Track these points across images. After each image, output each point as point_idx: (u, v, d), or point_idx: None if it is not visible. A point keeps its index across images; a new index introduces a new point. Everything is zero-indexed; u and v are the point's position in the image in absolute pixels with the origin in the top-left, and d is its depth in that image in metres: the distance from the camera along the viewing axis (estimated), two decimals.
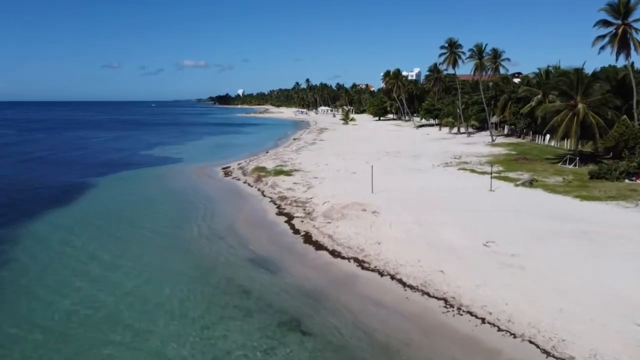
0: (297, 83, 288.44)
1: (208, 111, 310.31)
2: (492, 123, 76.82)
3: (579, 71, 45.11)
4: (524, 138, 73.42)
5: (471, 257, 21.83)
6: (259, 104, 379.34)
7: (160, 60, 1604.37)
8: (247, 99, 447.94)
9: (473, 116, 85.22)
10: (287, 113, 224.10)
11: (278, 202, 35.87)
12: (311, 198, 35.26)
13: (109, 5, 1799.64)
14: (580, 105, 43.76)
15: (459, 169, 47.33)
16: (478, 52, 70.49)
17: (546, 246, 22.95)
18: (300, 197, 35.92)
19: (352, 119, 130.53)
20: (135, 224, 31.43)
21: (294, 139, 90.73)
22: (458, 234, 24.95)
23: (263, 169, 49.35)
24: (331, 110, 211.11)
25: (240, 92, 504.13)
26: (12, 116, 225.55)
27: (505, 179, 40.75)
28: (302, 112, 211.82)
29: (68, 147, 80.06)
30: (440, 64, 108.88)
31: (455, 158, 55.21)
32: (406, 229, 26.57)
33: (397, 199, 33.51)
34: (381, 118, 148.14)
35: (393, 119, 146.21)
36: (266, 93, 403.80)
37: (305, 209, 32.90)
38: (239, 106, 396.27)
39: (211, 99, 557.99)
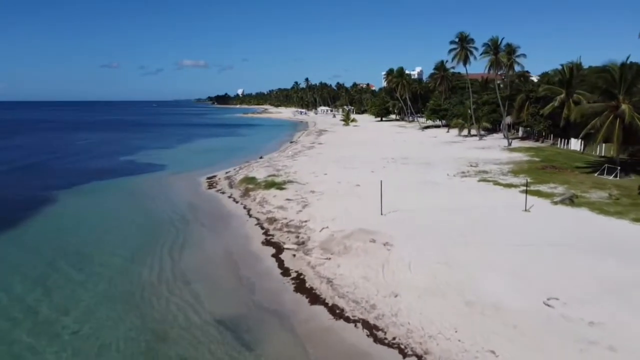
0: (297, 82, 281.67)
1: (206, 111, 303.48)
2: (506, 125, 70.19)
3: (624, 66, 38.35)
4: (543, 142, 66.81)
5: (532, 327, 15.24)
6: (258, 104, 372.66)
7: (160, 60, 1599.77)
8: (246, 98, 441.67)
9: (484, 117, 78.64)
10: (286, 113, 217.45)
11: (266, 225, 29.29)
12: (306, 221, 28.64)
13: (108, 4, 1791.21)
14: (624, 106, 37.15)
15: (480, 180, 40.69)
16: (493, 46, 63.78)
17: (631, 306, 16.37)
18: (293, 220, 29.30)
19: (353, 120, 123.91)
20: (84, 257, 24.85)
21: (291, 142, 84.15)
22: (505, 284, 18.31)
23: (253, 179, 42.70)
24: (331, 111, 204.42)
25: (239, 91, 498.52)
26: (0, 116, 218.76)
27: (538, 194, 34.10)
28: (301, 113, 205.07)
29: (43, 151, 73.38)
30: (445, 62, 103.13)
31: (471, 166, 48.57)
32: (431, 271, 19.97)
33: (413, 224, 26.91)
34: (383, 118, 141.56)
35: (396, 120, 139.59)
36: (265, 93, 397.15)
37: (298, 237, 26.32)
38: (237, 106, 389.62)
39: (210, 99, 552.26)
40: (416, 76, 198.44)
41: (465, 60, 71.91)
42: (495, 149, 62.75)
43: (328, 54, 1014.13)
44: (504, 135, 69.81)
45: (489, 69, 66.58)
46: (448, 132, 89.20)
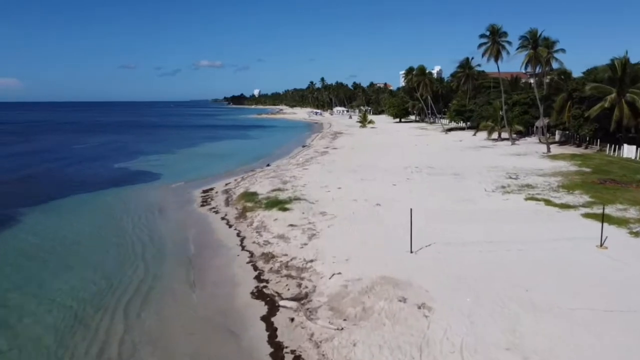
0: (312, 82, 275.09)
1: (220, 112, 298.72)
2: (543, 128, 62.56)
3: None
4: (587, 147, 59.09)
5: None
6: (273, 104, 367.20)
7: (177, 61, 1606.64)
8: (262, 99, 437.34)
9: (515, 119, 71.06)
10: (301, 114, 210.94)
11: (260, 264, 22.63)
12: (312, 261, 21.89)
13: (125, 6, 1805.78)
14: None
15: (527, 198, 33.48)
16: (532, 39, 56.16)
17: None
18: (295, 258, 22.57)
19: (371, 121, 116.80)
20: (21, 304, 18.56)
21: (303, 146, 77.48)
22: None
23: (253, 196, 36.06)
24: (347, 111, 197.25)
25: (255, 92, 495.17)
26: (8, 118, 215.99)
27: (608, 219, 26.60)
28: (316, 113, 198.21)
29: (34, 157, 67.72)
30: (471, 59, 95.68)
31: (511, 178, 41.33)
32: None
33: (455, 269, 19.99)
34: (402, 120, 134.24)
35: (415, 121, 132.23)
36: (281, 93, 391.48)
37: (300, 285, 19.61)
38: (252, 106, 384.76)
39: (225, 99, 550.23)
40: (435, 75, 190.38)
41: (497, 56, 64.38)
42: (532, 156, 55.25)
43: (344, 53, 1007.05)
44: (540, 139, 62.32)
45: (526, 66, 58.99)
46: (475, 135, 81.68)
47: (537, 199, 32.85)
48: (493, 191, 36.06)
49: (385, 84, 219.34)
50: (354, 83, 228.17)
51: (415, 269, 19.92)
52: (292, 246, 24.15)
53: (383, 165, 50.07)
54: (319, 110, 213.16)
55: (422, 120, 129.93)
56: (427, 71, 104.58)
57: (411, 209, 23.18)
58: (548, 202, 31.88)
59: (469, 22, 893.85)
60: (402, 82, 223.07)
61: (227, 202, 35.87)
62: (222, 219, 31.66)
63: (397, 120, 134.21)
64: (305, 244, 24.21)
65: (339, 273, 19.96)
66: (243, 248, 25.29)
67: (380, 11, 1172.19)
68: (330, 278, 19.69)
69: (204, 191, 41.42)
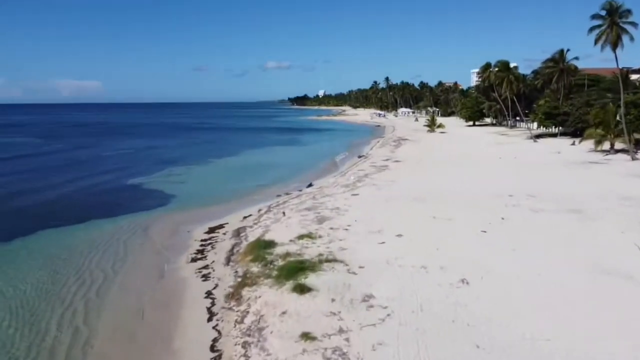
0: (375, 82, 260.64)
1: (281, 113, 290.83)
2: None
3: None
4: None
5: None
6: (336, 105, 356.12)
7: (246, 62, 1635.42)
8: (325, 99, 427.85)
9: (631, 124, 54.68)
10: (363, 115, 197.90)
11: None
12: None
13: (198, 6, 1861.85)
14: None
15: None
16: None
17: None
18: None
19: (440, 125, 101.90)
20: None
21: (359, 157, 64.73)
22: None
23: (268, 247, 23.82)
24: (413, 113, 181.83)
25: (320, 92, 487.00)
26: (69, 119, 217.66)
27: None
28: (379, 115, 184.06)
29: (44, 169, 59.06)
30: (567, 51, 78.77)
31: None
32: None
33: None
34: (475, 123, 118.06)
35: (492, 124, 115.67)
36: (345, 94, 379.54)
37: None
38: (315, 107, 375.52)
39: (289, 99, 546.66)
40: None
41: (616, 43, 48.51)
42: None
43: (409, 53, 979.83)
44: None
45: None
46: (574, 144, 65.56)
47: None
48: None
49: (456, 82, 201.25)
50: (421, 82, 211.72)
51: None
52: None
53: (461, 191, 36.56)
54: (382, 112, 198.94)
55: (500, 124, 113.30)
56: (511, 66, 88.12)
57: None
58: None
59: (542, 15, 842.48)
60: (473, 81, 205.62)
61: (229, 258, 23.88)
62: (207, 296, 19.70)
63: (470, 123, 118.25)
64: None
65: None
66: None
67: (448, 6, 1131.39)
68: None
69: (211, 229, 29.87)
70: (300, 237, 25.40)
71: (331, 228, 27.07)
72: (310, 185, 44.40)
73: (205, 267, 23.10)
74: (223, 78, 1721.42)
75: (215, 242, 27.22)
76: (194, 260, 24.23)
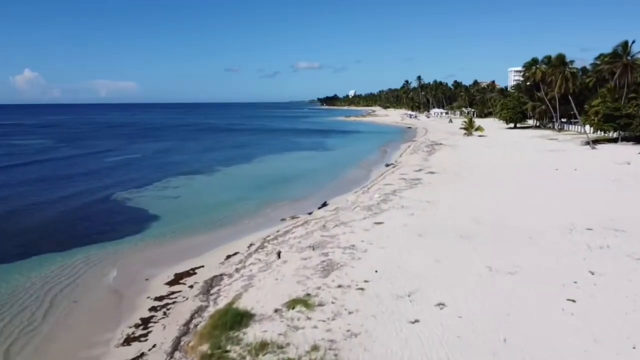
0: (407, 81, 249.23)
1: (310, 113, 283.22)
2: None
3: None
4: None
5: None
6: (367, 105, 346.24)
7: (277, 63, 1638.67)
8: (355, 99, 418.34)
9: None
10: (393, 116, 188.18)
11: None
12: None
13: (230, 8, 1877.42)
14: None
15: None
16: None
17: None
18: None
19: (479, 128, 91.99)
20: None
21: (387, 165, 56.02)
22: None
23: (240, 326, 15.64)
24: (446, 114, 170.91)
25: (350, 93, 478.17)
26: (102, 119, 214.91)
27: None
28: (410, 116, 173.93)
29: (27, 183, 52.56)
30: (632, 43, 67.92)
31: None
32: None
33: None
34: (517, 125, 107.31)
35: (536, 127, 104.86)
36: (375, 94, 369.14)
37: None
38: (344, 107, 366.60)
39: (319, 100, 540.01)
40: None
41: None
42: None
43: (442, 52, 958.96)
44: None
45: None
46: None
47: None
48: None
49: (493, 82, 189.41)
50: (455, 82, 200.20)
51: None
52: None
53: (520, 220, 27.61)
54: (413, 113, 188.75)
55: (545, 127, 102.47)
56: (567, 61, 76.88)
57: None
58: None
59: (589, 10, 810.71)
60: (512, 80, 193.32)
61: (177, 344, 15.69)
62: None
63: (511, 125, 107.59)
64: None
65: None
66: None
67: (482, 5, 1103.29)
68: None
69: (177, 276, 21.91)
70: (293, 303, 17.13)
71: (339, 286, 18.67)
72: (324, 204, 36.11)
73: (139, 357, 15.02)
74: (254, 78, 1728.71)
75: (174, 302, 19.20)
76: (127, 341, 16.20)
